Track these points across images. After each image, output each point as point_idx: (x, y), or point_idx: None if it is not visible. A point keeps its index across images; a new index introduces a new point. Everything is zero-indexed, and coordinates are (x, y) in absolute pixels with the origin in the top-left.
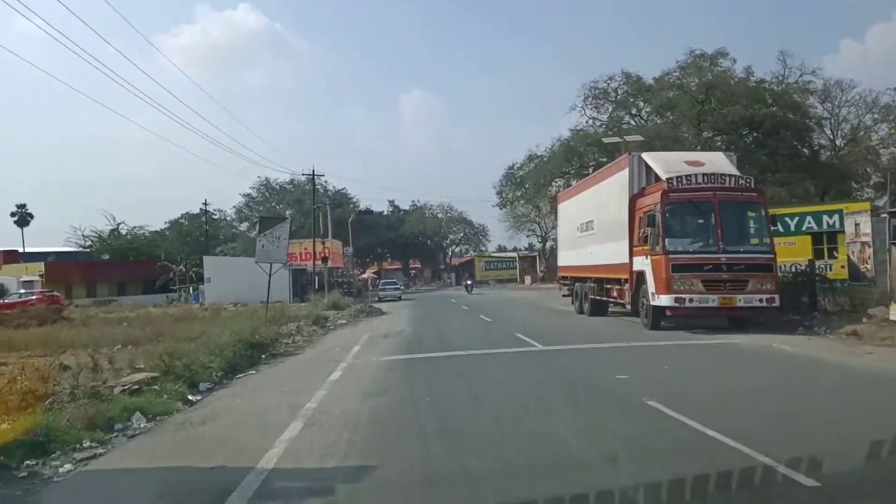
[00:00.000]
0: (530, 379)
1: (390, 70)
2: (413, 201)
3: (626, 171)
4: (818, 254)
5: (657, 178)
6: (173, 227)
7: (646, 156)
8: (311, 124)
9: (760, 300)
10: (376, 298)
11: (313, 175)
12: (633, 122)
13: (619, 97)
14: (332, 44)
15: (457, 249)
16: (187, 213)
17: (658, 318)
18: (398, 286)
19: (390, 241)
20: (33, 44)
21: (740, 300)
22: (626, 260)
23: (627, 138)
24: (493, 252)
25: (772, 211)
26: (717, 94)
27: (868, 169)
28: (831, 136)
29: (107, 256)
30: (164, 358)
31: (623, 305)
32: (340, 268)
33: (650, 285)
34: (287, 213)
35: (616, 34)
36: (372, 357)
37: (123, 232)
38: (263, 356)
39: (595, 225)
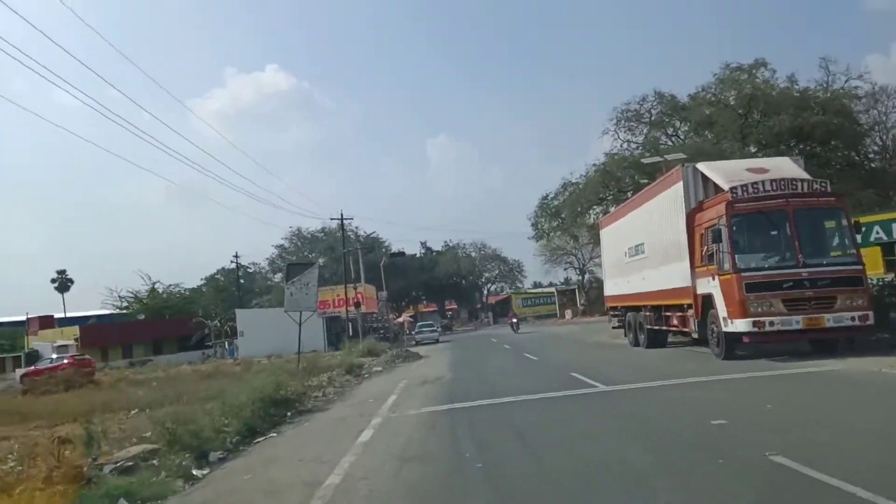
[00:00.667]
0: (601, 430)
1: (416, 116)
2: (445, 241)
3: (679, 185)
4: (889, 266)
5: (717, 190)
6: (209, 283)
7: (701, 166)
8: (342, 177)
9: (852, 318)
10: (413, 342)
11: (342, 219)
12: (670, 143)
13: (653, 118)
14: (358, 95)
15: (492, 288)
16: (222, 268)
17: (732, 346)
18: (435, 328)
19: (424, 283)
20: (70, 113)
21: (829, 320)
22: (688, 283)
23: (668, 157)
24: (529, 288)
25: None
26: (760, 105)
27: None
28: (881, 142)
29: (142, 316)
30: (168, 425)
31: (687, 334)
32: (375, 313)
33: (720, 309)
34: (320, 260)
35: (644, 55)
36: (409, 410)
37: (160, 291)
38: (289, 414)
39: (646, 248)
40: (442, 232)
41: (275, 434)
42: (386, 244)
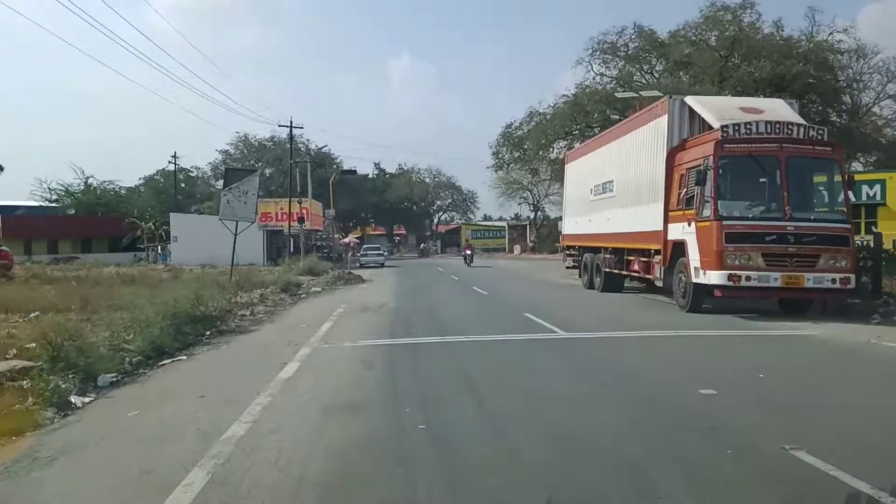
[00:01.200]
0: (568, 388)
1: (381, 32)
2: (400, 164)
3: (663, 119)
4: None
5: (705, 128)
6: (148, 183)
7: (691, 100)
8: (298, 87)
9: (833, 280)
10: (357, 265)
11: (291, 126)
12: (644, 80)
13: (630, 52)
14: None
15: (443, 217)
16: (162, 170)
17: (700, 298)
18: (381, 252)
19: (375, 205)
20: None
21: (809, 280)
22: (659, 227)
23: (643, 93)
24: (480, 221)
25: None
26: (742, 49)
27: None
28: (850, 102)
29: (73, 212)
30: (51, 337)
31: (646, 281)
32: (320, 231)
33: (692, 258)
34: (266, 171)
35: None
36: (345, 341)
37: (93, 186)
38: (208, 333)
39: (615, 186)
40: (397, 151)
41: (184, 357)
42: (338, 160)
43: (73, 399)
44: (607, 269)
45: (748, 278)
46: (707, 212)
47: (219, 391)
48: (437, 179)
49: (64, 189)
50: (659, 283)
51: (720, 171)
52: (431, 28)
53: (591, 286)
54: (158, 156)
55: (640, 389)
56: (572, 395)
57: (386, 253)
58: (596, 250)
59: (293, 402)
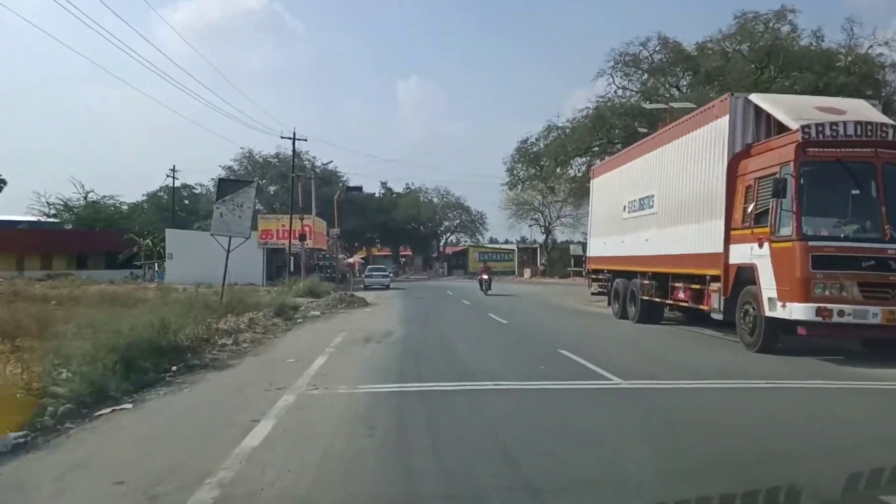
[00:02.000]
0: (669, 479)
1: (389, 57)
2: (407, 184)
3: (723, 121)
4: None
5: (776, 130)
6: (151, 200)
7: (757, 97)
8: (306, 106)
9: None
10: (361, 286)
11: (294, 138)
12: (669, 94)
13: (654, 64)
14: (331, 27)
15: (451, 238)
16: (166, 185)
17: (774, 336)
18: (387, 273)
19: (381, 225)
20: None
21: None
22: (718, 248)
23: (675, 105)
24: (486, 243)
25: None
26: (779, 60)
27: None
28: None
29: (70, 226)
30: None
31: (692, 312)
32: (323, 250)
33: (765, 287)
34: (270, 188)
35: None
36: (340, 385)
37: (93, 201)
38: (175, 368)
39: (656, 201)
40: (405, 167)
41: (130, 405)
42: (344, 178)
43: None
44: (645, 297)
45: (841, 313)
46: (787, 230)
47: (146, 472)
48: (444, 199)
49: (63, 203)
50: (717, 316)
51: (802, 180)
52: (438, 49)
53: (623, 315)
54: (164, 172)
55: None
56: (660, 479)
57: (391, 274)
58: (630, 275)
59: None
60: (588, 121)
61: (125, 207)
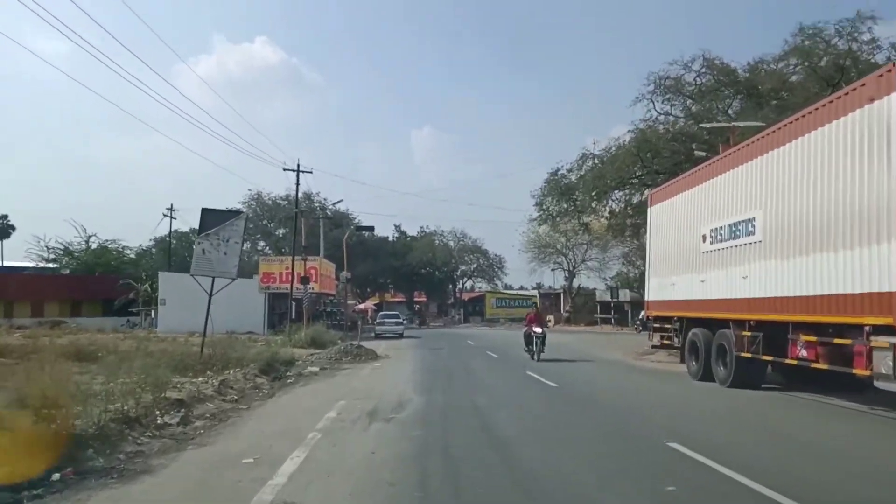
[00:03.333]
0: None
1: (403, 106)
2: (422, 227)
3: (885, 103)
4: None
5: None
6: (159, 245)
7: None
8: (324, 157)
9: None
10: (373, 334)
11: (298, 171)
12: (719, 119)
13: (700, 87)
14: (346, 78)
15: (467, 283)
16: (175, 230)
17: None
18: (400, 321)
19: (394, 269)
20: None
21: None
22: (886, 286)
23: (738, 124)
24: (502, 289)
25: None
26: (851, 76)
27: None
28: None
29: (67, 271)
30: None
31: (809, 374)
32: (331, 295)
33: None
34: (279, 231)
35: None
36: None
37: (94, 246)
38: (57, 476)
39: (759, 225)
40: (421, 220)
41: None
42: (356, 220)
43: None
44: (742, 354)
45: None
46: None
47: None
48: (461, 243)
49: (63, 248)
50: (882, 384)
51: None
52: (452, 92)
53: (706, 376)
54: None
55: None
56: None
57: (405, 321)
58: (716, 324)
59: None
60: (631, 145)
61: (130, 253)
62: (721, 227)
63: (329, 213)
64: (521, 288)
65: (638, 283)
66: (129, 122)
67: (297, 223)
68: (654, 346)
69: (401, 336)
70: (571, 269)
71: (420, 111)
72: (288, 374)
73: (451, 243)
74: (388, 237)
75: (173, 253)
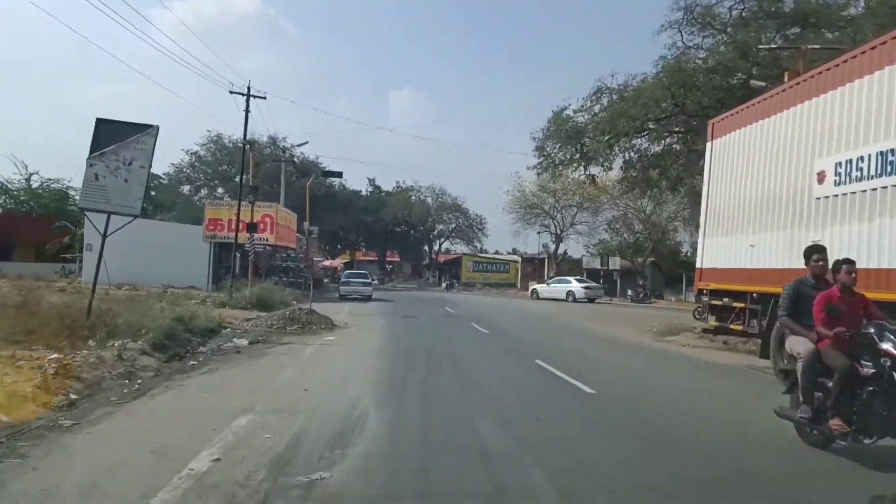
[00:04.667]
0: None
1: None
2: (398, 181)
3: None
4: None
5: None
6: None
7: None
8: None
9: None
10: (337, 295)
11: (248, 95)
12: (762, 54)
13: (742, 12)
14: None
15: (444, 245)
16: None
17: None
18: (368, 281)
19: (366, 226)
20: None
21: None
22: None
23: (813, 46)
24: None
25: None
26: None
27: None
28: None
29: None
30: None
31: None
32: (292, 249)
33: None
34: (238, 178)
35: None
36: None
37: (35, 185)
38: None
39: None
40: (399, 172)
41: None
42: (325, 167)
43: None
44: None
45: None
46: None
47: None
48: (440, 200)
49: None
50: None
51: None
52: (433, 58)
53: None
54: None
55: None
56: None
57: (375, 281)
58: None
59: None
60: (662, 75)
61: (75, 193)
62: (860, 159)
63: (293, 156)
64: (497, 252)
65: (632, 251)
66: (99, 65)
67: (244, 157)
68: (705, 330)
69: (369, 298)
70: (559, 232)
71: (399, 73)
72: (200, 350)
73: (430, 200)
74: (360, 191)
75: None
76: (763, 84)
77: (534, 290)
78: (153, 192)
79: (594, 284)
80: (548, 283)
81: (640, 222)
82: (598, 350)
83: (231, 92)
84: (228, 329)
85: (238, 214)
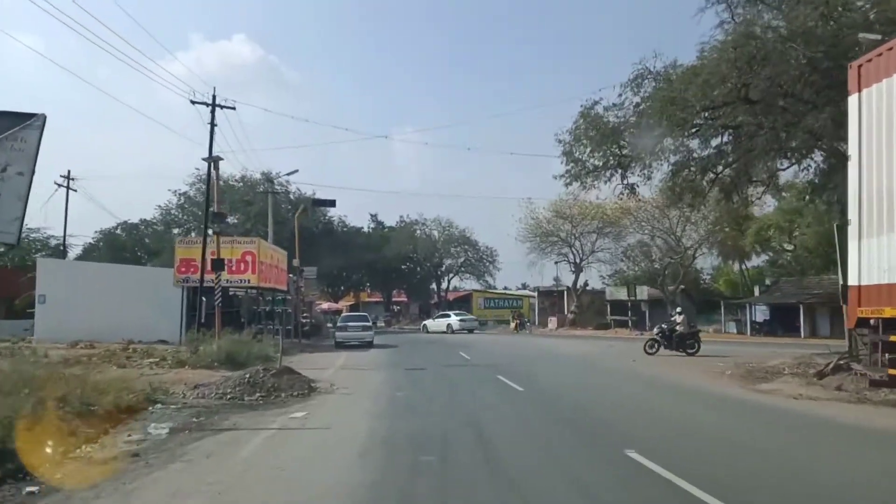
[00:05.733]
0: None
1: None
2: (401, 216)
3: None
4: None
5: None
6: (106, 238)
7: None
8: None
9: None
10: (332, 342)
11: (213, 105)
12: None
13: None
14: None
15: (454, 281)
16: (124, 222)
17: None
18: (368, 325)
19: (368, 265)
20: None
21: None
22: None
23: None
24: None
25: None
26: None
27: None
28: None
29: None
30: None
31: None
32: (283, 291)
33: None
34: (230, 218)
35: None
36: None
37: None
38: None
39: None
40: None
41: None
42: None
43: None
44: None
45: None
46: None
47: None
48: (447, 233)
49: None
50: None
51: None
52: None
53: None
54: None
55: None
56: None
57: (382, 324)
58: None
59: None
60: (730, 45)
61: (55, 241)
62: None
63: (288, 192)
64: (506, 288)
65: (662, 279)
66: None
67: (209, 177)
68: (872, 382)
69: (370, 345)
70: (578, 261)
71: (400, 112)
72: (83, 449)
73: (436, 233)
74: (362, 227)
75: (122, 246)
76: (879, 37)
77: (423, 325)
78: (147, 240)
79: (469, 317)
80: (433, 319)
81: (663, 246)
82: (697, 413)
83: (192, 102)
84: (159, 405)
85: (204, 249)
